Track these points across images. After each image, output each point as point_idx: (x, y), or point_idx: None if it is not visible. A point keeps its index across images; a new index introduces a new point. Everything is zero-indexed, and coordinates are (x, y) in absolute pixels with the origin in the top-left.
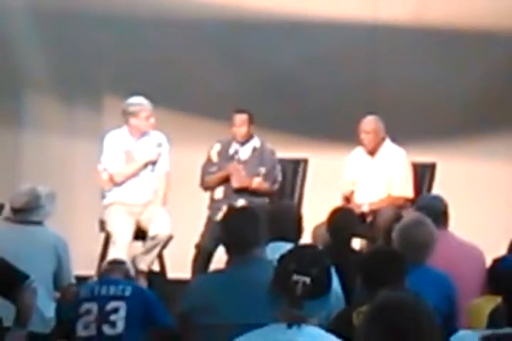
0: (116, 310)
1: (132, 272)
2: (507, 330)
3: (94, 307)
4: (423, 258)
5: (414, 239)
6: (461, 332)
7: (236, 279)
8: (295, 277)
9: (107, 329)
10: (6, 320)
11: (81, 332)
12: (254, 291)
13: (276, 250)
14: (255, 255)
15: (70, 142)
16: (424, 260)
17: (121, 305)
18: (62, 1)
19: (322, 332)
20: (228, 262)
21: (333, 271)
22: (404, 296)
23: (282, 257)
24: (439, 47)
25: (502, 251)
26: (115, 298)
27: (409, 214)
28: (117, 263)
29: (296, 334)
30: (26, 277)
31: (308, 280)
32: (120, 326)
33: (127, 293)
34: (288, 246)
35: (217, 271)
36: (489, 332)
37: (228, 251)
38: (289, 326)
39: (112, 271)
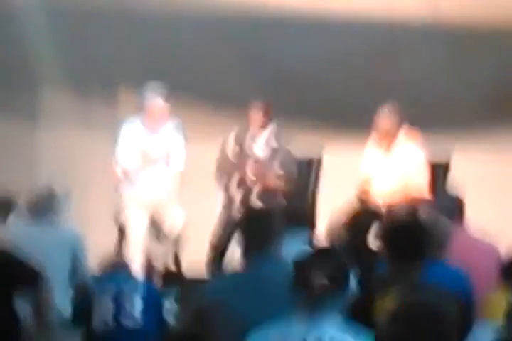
0: (132, 304)
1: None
2: None
3: (108, 300)
4: (438, 254)
5: None
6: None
7: (252, 279)
8: (314, 276)
9: (125, 322)
10: (25, 319)
11: (97, 324)
12: (271, 290)
13: (293, 235)
14: (271, 255)
15: (86, 136)
16: (439, 256)
17: (137, 299)
18: None
19: (339, 329)
20: (244, 262)
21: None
22: (428, 296)
23: (301, 256)
24: (454, 42)
25: None
26: (130, 292)
27: (425, 212)
28: (120, 263)
29: (313, 331)
30: (42, 276)
31: (326, 278)
32: (138, 319)
33: (141, 288)
34: (303, 231)
35: (234, 271)
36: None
37: (244, 251)
38: (308, 324)
39: (115, 267)
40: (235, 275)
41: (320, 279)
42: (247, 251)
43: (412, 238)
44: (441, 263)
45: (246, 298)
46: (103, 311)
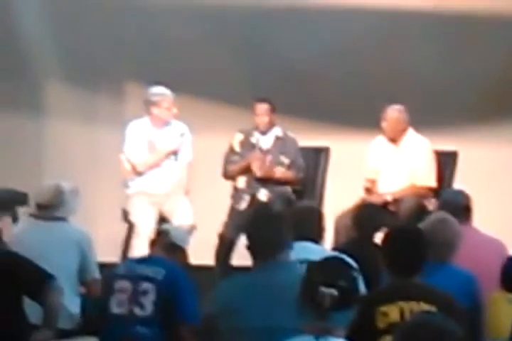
0: (145, 292)
1: (181, 237)
2: None
3: (128, 285)
4: (447, 256)
5: (439, 238)
6: None
7: (261, 283)
8: (322, 289)
9: (137, 311)
10: (32, 317)
11: (114, 309)
12: (279, 294)
13: (301, 250)
14: (280, 259)
15: (92, 131)
16: (447, 259)
17: (152, 288)
18: None
19: None
20: (254, 266)
21: (360, 280)
22: (433, 317)
23: (309, 269)
24: (458, 34)
25: None
26: (147, 279)
27: (434, 213)
28: (158, 236)
29: None
30: (51, 277)
31: (335, 292)
32: (149, 309)
33: (159, 277)
34: (313, 246)
35: (243, 274)
36: None
37: (253, 255)
38: (316, 338)
39: (153, 244)
40: (244, 278)
41: (329, 292)
42: (255, 256)
43: (412, 253)
44: (448, 267)
45: (255, 302)
46: (121, 295)
